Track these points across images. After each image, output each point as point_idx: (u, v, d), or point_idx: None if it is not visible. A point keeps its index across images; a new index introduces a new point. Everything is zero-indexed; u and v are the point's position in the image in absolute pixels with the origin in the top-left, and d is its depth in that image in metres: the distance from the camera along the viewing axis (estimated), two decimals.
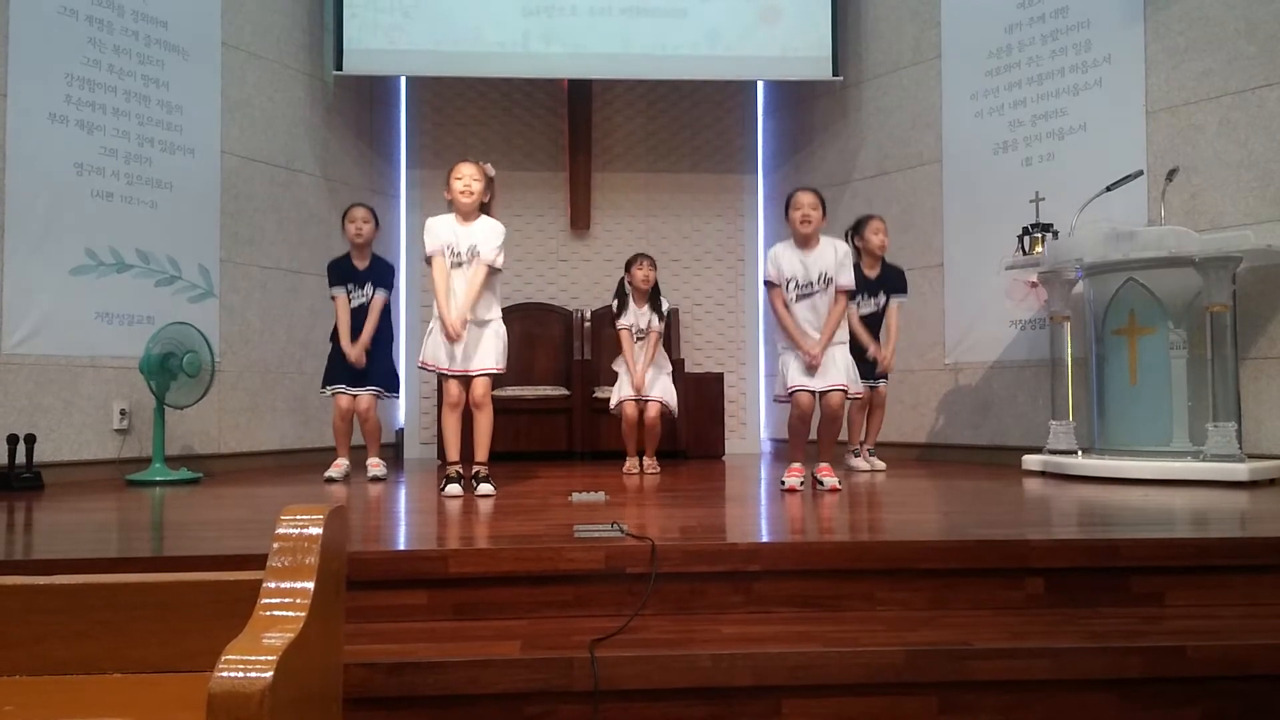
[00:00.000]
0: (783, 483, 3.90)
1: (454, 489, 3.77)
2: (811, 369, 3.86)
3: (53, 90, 4.60)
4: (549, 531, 2.66)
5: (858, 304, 4.81)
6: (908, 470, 5.02)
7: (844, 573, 2.36)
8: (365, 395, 4.67)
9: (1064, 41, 5.32)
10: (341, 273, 4.71)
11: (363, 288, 4.69)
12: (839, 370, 3.91)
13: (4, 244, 4.39)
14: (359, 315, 4.68)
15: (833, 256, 3.91)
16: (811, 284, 3.89)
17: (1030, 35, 5.48)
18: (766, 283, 4.01)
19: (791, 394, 3.88)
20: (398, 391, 4.95)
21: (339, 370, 4.68)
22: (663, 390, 4.96)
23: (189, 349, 4.61)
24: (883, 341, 4.92)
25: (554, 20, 6.12)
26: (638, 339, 4.95)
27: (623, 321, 4.96)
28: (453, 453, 3.92)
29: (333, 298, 4.72)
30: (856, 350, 4.64)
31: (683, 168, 7.00)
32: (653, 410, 4.91)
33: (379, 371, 4.73)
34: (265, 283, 5.68)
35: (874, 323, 4.92)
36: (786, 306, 3.92)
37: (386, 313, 4.79)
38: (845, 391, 3.91)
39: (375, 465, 4.69)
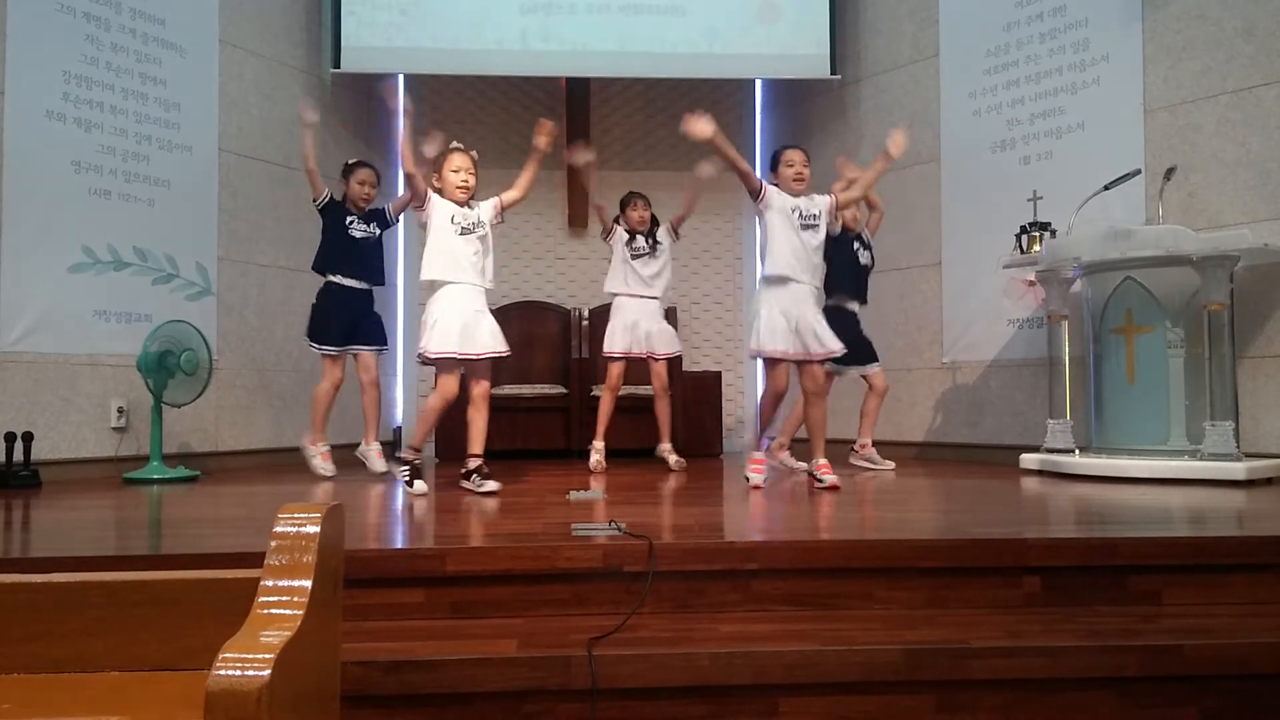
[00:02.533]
0: (747, 479, 3.89)
1: (422, 485, 3.74)
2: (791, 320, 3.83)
3: (50, 88, 4.59)
4: (547, 530, 2.66)
5: (856, 253, 4.95)
6: (905, 469, 5.02)
7: (842, 571, 2.36)
8: (368, 353, 4.61)
9: (1062, 40, 5.32)
10: (342, 207, 4.67)
11: (368, 224, 4.66)
12: (823, 329, 3.86)
13: (2, 241, 4.38)
14: (363, 246, 4.61)
15: (824, 197, 3.99)
16: (814, 216, 3.91)
17: (1028, 34, 5.48)
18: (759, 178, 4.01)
19: (763, 357, 3.87)
20: (387, 344, 4.83)
21: (333, 323, 4.56)
22: (667, 339, 4.95)
23: (186, 347, 4.61)
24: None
25: (552, 18, 6.12)
26: (635, 256, 4.91)
27: (612, 239, 4.94)
28: (423, 441, 3.88)
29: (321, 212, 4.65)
30: (848, 327, 4.66)
31: (681, 166, 6.97)
32: (661, 377, 4.90)
33: (375, 324, 4.66)
34: (263, 281, 5.67)
35: (866, 277, 4.99)
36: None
37: (380, 246, 4.75)
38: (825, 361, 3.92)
39: (379, 455, 4.65)
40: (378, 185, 4.72)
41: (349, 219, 4.64)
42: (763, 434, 4.06)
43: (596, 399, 5.98)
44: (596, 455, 4.88)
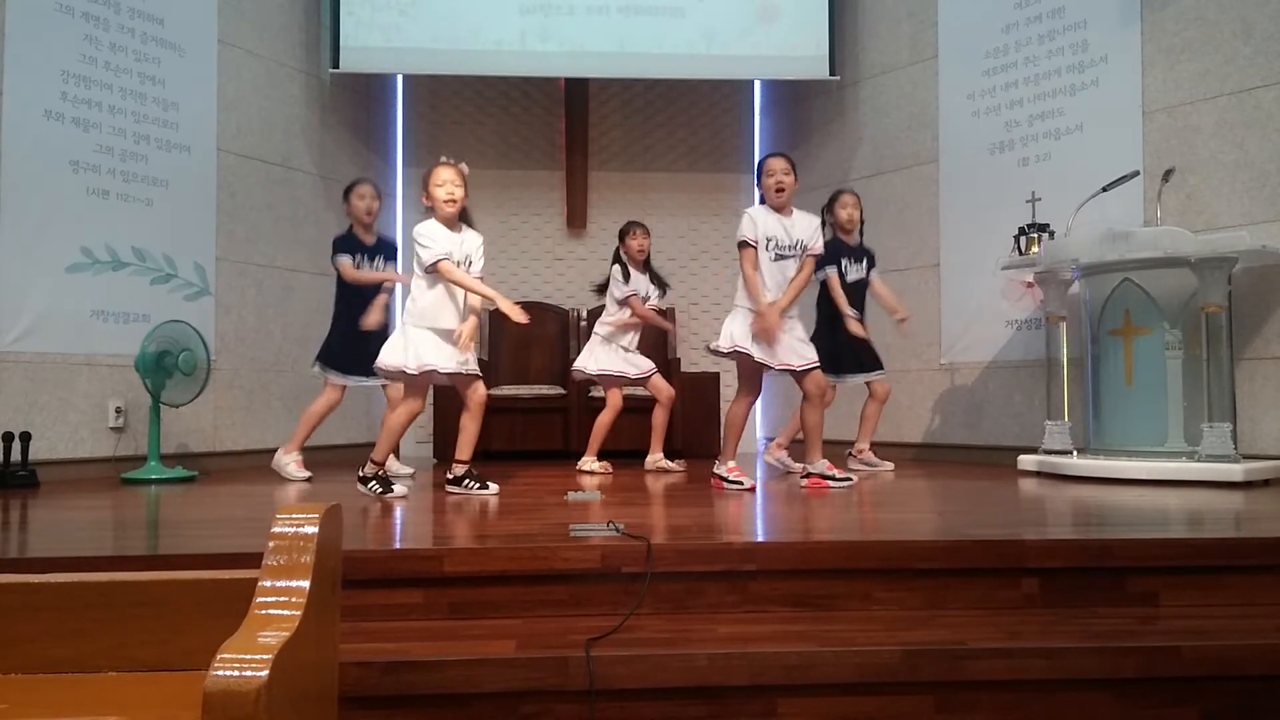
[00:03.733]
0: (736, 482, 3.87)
1: (399, 488, 3.73)
2: (766, 339, 3.84)
3: (49, 87, 4.59)
4: (544, 531, 2.66)
5: (844, 271, 4.84)
6: (903, 470, 5.03)
7: (840, 572, 2.36)
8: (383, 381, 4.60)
9: (1060, 42, 5.33)
10: (350, 244, 4.58)
11: (372, 261, 4.60)
12: (801, 344, 3.88)
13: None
14: (368, 290, 4.54)
15: (808, 225, 3.93)
16: (790, 247, 3.89)
17: (1027, 35, 5.49)
18: (741, 243, 3.95)
19: (735, 353, 3.87)
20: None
21: (351, 356, 4.49)
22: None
23: (184, 347, 4.61)
24: (880, 308, 4.99)
25: (551, 19, 6.12)
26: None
27: (632, 286, 4.92)
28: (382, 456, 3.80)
29: (339, 265, 4.55)
30: (841, 336, 4.66)
31: (679, 167, 7.00)
32: (664, 395, 4.93)
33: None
34: (261, 281, 5.67)
35: (860, 291, 4.90)
36: (757, 269, 3.92)
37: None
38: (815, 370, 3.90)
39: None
40: (380, 196, 4.66)
41: (358, 258, 4.58)
42: (730, 443, 3.97)
43: (595, 400, 5.99)
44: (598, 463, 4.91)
